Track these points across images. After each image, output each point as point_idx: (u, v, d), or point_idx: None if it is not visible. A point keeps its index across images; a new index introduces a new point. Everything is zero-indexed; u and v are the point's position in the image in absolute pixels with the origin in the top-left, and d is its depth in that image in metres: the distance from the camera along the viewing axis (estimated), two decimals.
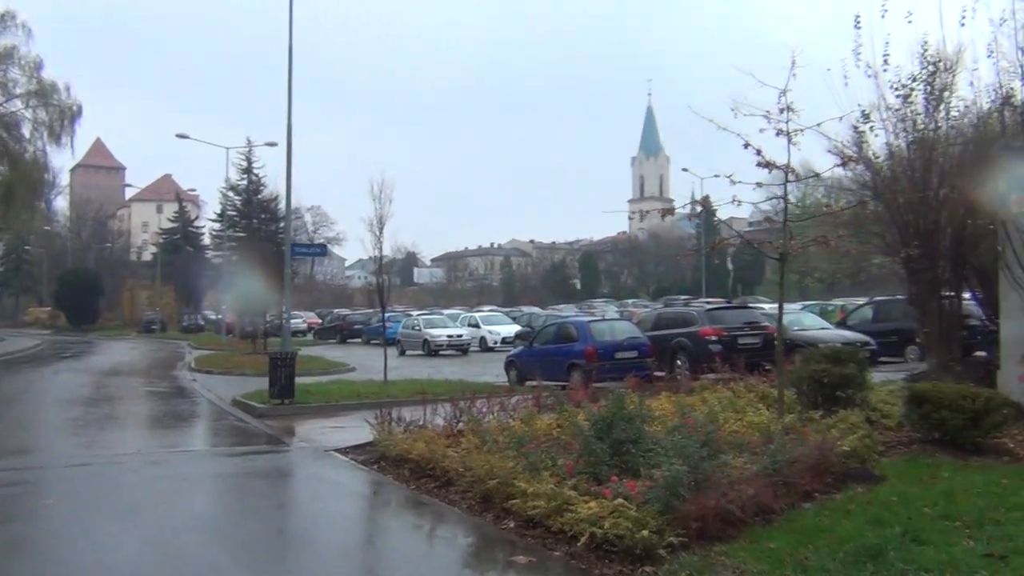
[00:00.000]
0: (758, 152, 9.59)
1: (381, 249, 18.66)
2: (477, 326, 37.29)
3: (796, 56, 9.68)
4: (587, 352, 17.45)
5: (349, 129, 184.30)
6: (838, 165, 10.91)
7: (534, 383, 16.85)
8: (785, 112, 9.76)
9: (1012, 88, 13.05)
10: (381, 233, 18.55)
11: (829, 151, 13.91)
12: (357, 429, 12.04)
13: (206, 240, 77.13)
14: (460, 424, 10.36)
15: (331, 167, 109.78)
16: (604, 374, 15.39)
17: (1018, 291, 10.79)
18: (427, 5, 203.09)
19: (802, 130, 9.99)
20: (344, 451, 10.96)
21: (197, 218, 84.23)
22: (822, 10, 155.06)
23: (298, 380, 16.50)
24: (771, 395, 11.62)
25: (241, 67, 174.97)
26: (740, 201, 10.26)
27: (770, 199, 10.45)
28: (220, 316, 47.52)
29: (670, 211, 10.50)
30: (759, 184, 10.24)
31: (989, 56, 12.68)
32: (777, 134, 9.84)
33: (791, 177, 9.83)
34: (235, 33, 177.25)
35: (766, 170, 10.08)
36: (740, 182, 9.78)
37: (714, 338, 18.30)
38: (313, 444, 12.05)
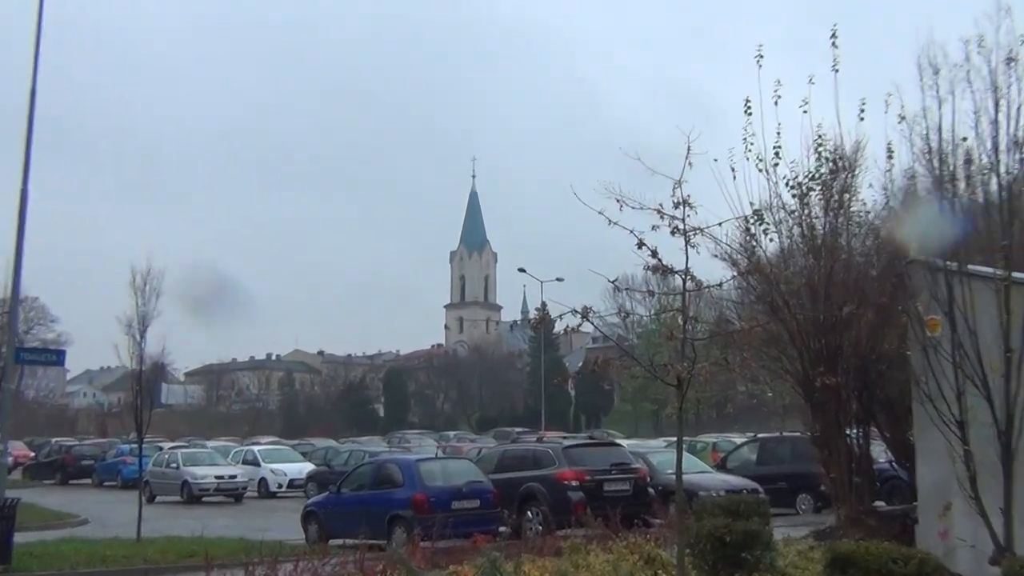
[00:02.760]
0: (654, 253, 9.82)
1: (142, 360, 17.55)
2: (256, 463, 35.82)
3: (692, 141, 10.05)
4: (415, 501, 16.99)
5: (82, 200, 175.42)
6: (739, 274, 11.37)
7: (342, 542, 16.18)
8: (682, 207, 10.07)
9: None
10: (143, 337, 17.48)
11: (715, 255, 14.58)
12: None
13: None
14: None
15: (58, 248, 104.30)
16: (438, 530, 14.90)
17: (939, 430, 11.32)
18: (195, 55, 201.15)
19: (699, 230, 10.35)
20: None
21: None
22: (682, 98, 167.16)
23: None
24: (659, 557, 11.72)
25: None
26: (629, 312, 10.61)
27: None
28: None
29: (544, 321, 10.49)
30: (651, 292, 10.51)
31: (889, 158, 13.70)
32: (672, 233, 10.12)
33: (691, 285, 10.05)
34: None
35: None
36: (633, 289, 10.00)
37: (575, 483, 18.33)
38: None
